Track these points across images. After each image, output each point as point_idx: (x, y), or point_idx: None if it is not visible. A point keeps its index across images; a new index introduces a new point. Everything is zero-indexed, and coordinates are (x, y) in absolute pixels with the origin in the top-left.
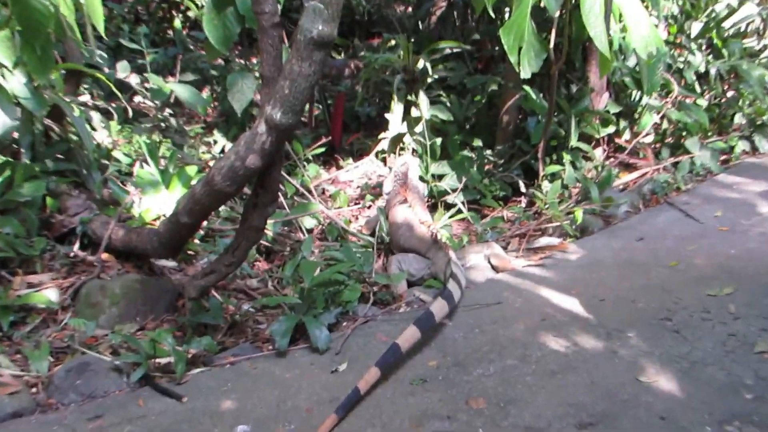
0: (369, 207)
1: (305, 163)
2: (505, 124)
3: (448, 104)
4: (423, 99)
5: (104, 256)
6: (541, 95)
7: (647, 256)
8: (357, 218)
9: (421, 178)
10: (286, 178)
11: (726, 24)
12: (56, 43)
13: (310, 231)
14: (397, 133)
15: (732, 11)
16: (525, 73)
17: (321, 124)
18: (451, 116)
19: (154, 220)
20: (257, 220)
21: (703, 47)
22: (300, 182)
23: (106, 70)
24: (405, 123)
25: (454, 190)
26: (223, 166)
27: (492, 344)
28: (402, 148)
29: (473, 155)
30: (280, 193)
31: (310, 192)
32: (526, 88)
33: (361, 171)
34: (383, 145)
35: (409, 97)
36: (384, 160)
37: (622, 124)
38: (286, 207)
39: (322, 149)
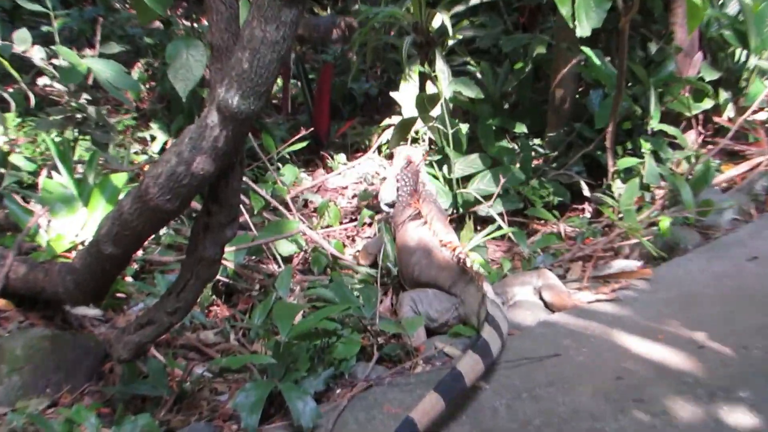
0: (369, 224)
1: (279, 164)
2: (559, 102)
3: (478, 76)
4: (442, 69)
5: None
6: (608, 59)
7: (763, 284)
8: (353, 241)
9: (443, 181)
10: (252, 187)
11: None
12: None
13: (287, 261)
14: (407, 118)
15: None
16: (583, 30)
17: (301, 108)
18: (481, 93)
19: (68, 250)
20: (211, 248)
21: None
22: (271, 192)
23: None
24: (418, 104)
25: (488, 197)
26: (161, 174)
27: (547, 416)
28: (415, 140)
29: (514, 146)
30: (243, 209)
31: (286, 206)
32: (586, 50)
33: (359, 173)
34: (388, 135)
35: (422, 68)
36: (390, 157)
37: (723, 96)
38: (253, 228)
39: (303, 144)
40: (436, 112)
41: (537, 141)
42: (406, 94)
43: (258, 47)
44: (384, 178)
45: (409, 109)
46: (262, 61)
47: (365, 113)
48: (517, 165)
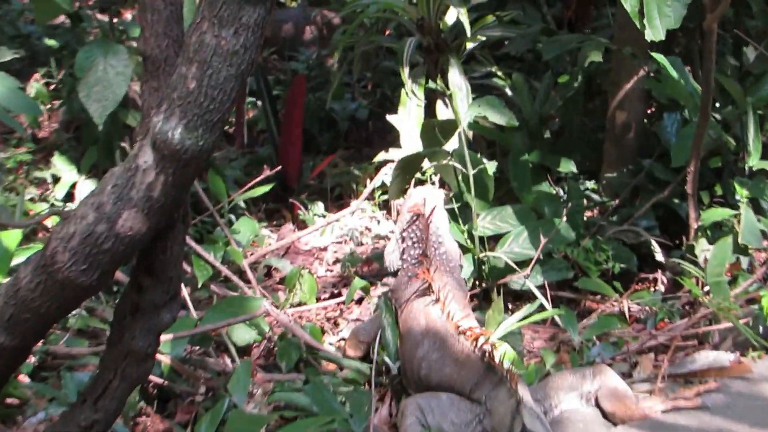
0: (360, 301)
1: (232, 217)
2: (621, 130)
3: (509, 93)
4: (459, 84)
5: None
6: (688, 70)
7: None
8: (336, 324)
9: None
10: (196, 251)
11: None
12: None
13: (244, 352)
14: (411, 154)
15: None
16: (654, 32)
17: (261, 138)
18: (513, 118)
19: None
20: (142, 337)
21: None
22: (222, 257)
23: None
24: (424, 133)
25: (524, 264)
26: (74, 235)
27: None
28: (421, 181)
29: (559, 192)
30: (183, 283)
31: (242, 275)
32: (659, 57)
33: (343, 230)
34: (385, 176)
35: (431, 82)
36: (386, 207)
37: None
38: (192, 310)
39: (265, 189)
40: (451, 144)
41: (590, 184)
42: (408, 119)
43: (209, 59)
44: (377, 237)
45: (412, 141)
46: (216, 78)
47: (351, 145)
48: (564, 218)
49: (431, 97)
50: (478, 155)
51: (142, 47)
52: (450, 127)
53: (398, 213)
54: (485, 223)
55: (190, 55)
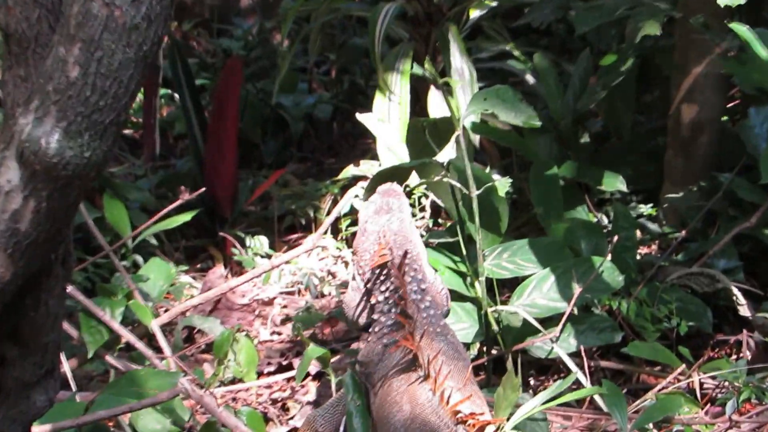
0: (317, 377)
1: (138, 257)
2: (689, 132)
3: (529, 80)
4: (460, 69)
5: None
6: None
7: None
8: (286, 409)
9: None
10: (85, 307)
11: None
12: None
13: None
14: (391, 168)
15: None
16: None
17: (180, 146)
18: (535, 116)
19: None
20: (5, 428)
21: None
22: (122, 315)
23: None
24: (410, 138)
25: (550, 322)
26: None
27: None
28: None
29: (602, 219)
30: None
31: (152, 341)
32: (740, 29)
33: (297, 275)
34: (354, 199)
35: (419, 67)
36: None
37: None
38: (80, 389)
39: (186, 217)
40: (447, 154)
41: (646, 208)
42: (387, 119)
43: (98, 37)
44: (344, 285)
45: (393, 149)
46: (108, 63)
47: (308, 155)
48: (608, 256)
49: (420, 88)
50: (486, 169)
51: (3, 20)
52: (446, 129)
53: (354, 244)
54: (496, 263)
55: (71, 32)
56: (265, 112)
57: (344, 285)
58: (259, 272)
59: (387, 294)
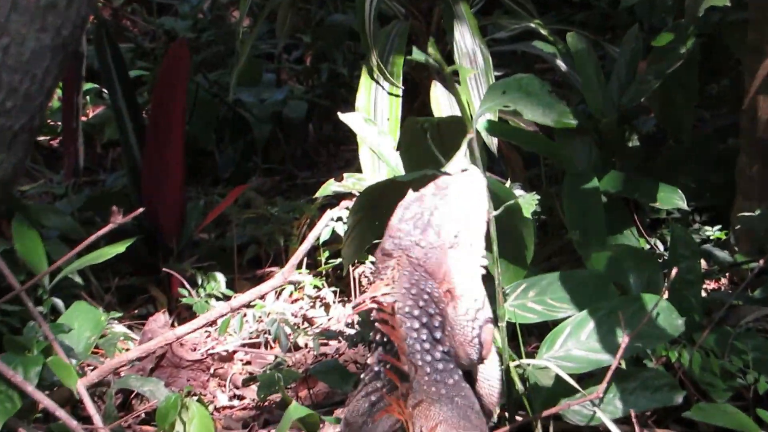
0: None
1: (57, 301)
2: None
3: (561, 65)
4: (469, 52)
5: None
6: None
7: None
8: None
9: None
10: None
11: None
12: None
13: None
14: (381, 183)
15: None
16: None
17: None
18: (568, 113)
19: None
20: None
21: None
22: (39, 376)
23: None
24: (405, 145)
25: (590, 379)
26: None
27: None
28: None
29: (657, 245)
30: None
31: (77, 408)
32: None
33: (264, 321)
34: (336, 223)
35: (417, 52)
36: (341, 279)
37: None
38: None
39: (120, 248)
40: (455, 164)
41: (714, 231)
42: (376, 119)
43: (4, 19)
44: (324, 336)
45: (383, 157)
46: (17, 52)
47: (277, 167)
48: (664, 294)
49: (419, 79)
50: (507, 183)
51: None
52: (453, 131)
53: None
54: (520, 303)
55: None
56: (220, 112)
57: (326, 336)
58: (215, 318)
59: (384, 338)
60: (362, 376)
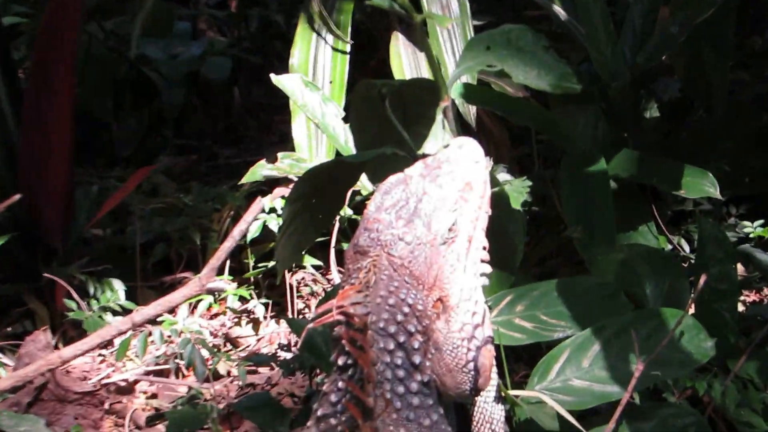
0: None
1: None
2: None
3: (560, 13)
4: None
5: None
6: None
7: None
8: None
9: None
10: None
11: None
12: None
13: None
14: (326, 164)
15: None
16: None
17: None
18: (570, 76)
19: None
20: None
21: None
22: None
23: None
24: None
25: (594, 416)
26: None
27: None
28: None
29: (681, 244)
30: None
31: None
32: None
33: (175, 343)
34: (267, 216)
35: None
36: (273, 286)
37: None
38: None
39: None
40: (423, 140)
41: (754, 227)
42: (318, 81)
43: None
44: (253, 361)
45: (327, 130)
46: None
47: (192, 143)
48: (690, 308)
49: (376, 30)
50: (490, 164)
51: None
52: (420, 98)
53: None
54: (505, 319)
55: None
56: (119, 72)
57: (253, 359)
58: (111, 338)
59: (348, 360)
60: (314, 406)
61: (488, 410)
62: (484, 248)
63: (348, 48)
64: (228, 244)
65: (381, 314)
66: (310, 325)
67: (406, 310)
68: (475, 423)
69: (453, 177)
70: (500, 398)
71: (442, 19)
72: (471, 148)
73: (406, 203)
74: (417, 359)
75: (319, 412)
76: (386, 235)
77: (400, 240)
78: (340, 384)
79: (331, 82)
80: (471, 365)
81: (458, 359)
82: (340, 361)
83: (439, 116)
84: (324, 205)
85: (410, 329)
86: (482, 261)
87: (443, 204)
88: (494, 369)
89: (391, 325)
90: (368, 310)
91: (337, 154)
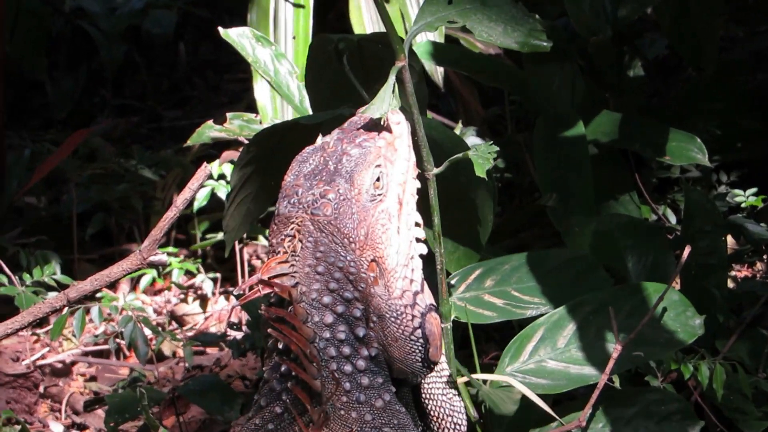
0: None
1: None
2: None
3: None
4: None
5: None
6: None
7: None
8: None
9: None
10: None
11: None
12: None
13: None
14: (279, 125)
15: None
16: None
17: None
18: (542, 32)
19: None
20: None
21: None
22: None
23: None
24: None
25: (570, 402)
26: None
27: None
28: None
29: (668, 214)
30: None
31: None
32: None
33: (116, 321)
34: (216, 183)
35: None
36: (223, 260)
37: None
38: None
39: None
40: (382, 100)
41: (746, 196)
42: (271, 36)
43: None
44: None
45: (281, 89)
46: None
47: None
48: (675, 283)
49: None
50: (458, 128)
51: None
52: (381, 55)
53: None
54: (473, 296)
55: None
56: (54, 27)
57: (200, 339)
58: (44, 315)
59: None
60: (255, 396)
61: (447, 403)
62: (417, 224)
63: (310, 1)
64: (171, 214)
65: (311, 284)
66: (235, 302)
67: (338, 275)
68: (435, 419)
69: (373, 137)
70: (454, 384)
71: None
72: (393, 113)
73: (326, 166)
74: (361, 332)
75: (262, 402)
76: (307, 197)
77: (322, 198)
78: (283, 368)
79: (294, 38)
80: (419, 332)
81: (404, 327)
82: (280, 345)
83: (392, 77)
84: (276, 170)
85: (347, 296)
86: (417, 225)
87: (364, 160)
88: (443, 357)
89: (324, 296)
90: (296, 280)
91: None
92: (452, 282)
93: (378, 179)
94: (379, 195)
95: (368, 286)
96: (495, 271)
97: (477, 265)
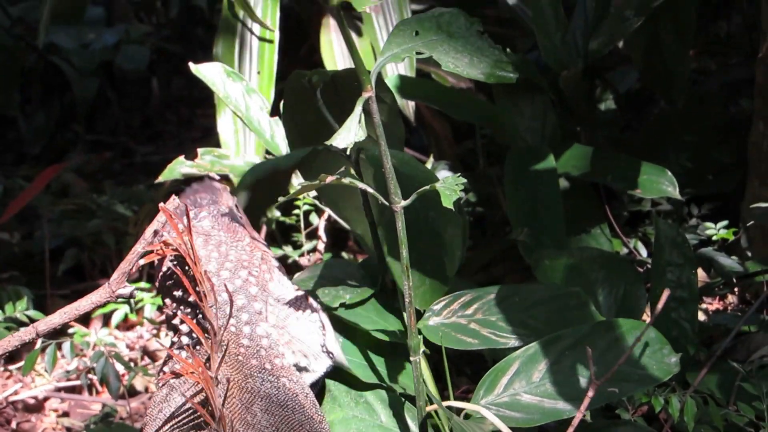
0: None
1: None
2: None
3: (508, 4)
4: None
5: None
6: None
7: None
8: None
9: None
10: None
11: None
12: None
13: None
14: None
15: None
16: None
17: None
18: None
19: None
20: None
21: None
22: None
23: None
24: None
25: None
26: None
27: None
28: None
29: (638, 248)
30: None
31: None
32: None
33: (88, 357)
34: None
35: None
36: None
37: None
38: None
39: None
40: (349, 134)
41: (717, 229)
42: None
43: None
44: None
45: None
46: None
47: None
48: (647, 317)
49: (306, 15)
50: (429, 162)
51: None
52: (352, 89)
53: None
54: (455, 321)
55: None
56: (26, 62)
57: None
58: (13, 348)
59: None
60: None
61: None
62: None
63: (277, 36)
64: (140, 247)
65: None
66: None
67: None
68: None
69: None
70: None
71: (360, 1)
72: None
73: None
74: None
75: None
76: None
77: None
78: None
79: (259, 73)
80: None
81: None
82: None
83: (358, 108)
84: (252, 208)
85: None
86: None
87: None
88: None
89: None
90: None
91: (266, 151)
92: (424, 314)
93: None
94: None
95: None
96: (480, 300)
97: (464, 292)
